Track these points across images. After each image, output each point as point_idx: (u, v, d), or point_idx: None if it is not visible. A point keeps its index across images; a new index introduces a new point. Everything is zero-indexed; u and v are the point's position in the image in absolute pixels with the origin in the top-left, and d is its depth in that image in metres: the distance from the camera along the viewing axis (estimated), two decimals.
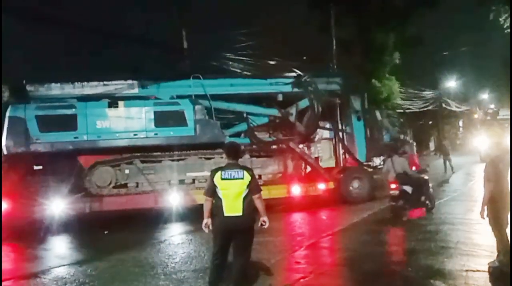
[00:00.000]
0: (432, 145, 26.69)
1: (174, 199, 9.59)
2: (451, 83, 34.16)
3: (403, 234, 7.53)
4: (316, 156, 11.43)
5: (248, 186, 4.34)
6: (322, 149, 11.55)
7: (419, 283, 4.86)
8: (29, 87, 9.61)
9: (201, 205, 9.01)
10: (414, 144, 13.36)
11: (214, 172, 4.44)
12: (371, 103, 12.41)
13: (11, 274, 6.03)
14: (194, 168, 10.10)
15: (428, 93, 23.53)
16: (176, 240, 7.75)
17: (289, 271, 5.59)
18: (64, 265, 6.29)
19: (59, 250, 7.63)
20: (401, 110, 18.07)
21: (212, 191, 4.40)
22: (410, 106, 21.57)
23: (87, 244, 7.64)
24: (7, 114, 9.17)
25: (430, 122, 31.69)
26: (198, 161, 10.16)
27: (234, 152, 4.61)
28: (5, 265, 6.84)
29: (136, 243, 7.34)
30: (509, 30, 12.88)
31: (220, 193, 4.35)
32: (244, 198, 4.34)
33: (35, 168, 9.50)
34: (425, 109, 23.53)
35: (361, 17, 17.55)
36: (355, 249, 6.38)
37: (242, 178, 4.33)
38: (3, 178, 9.12)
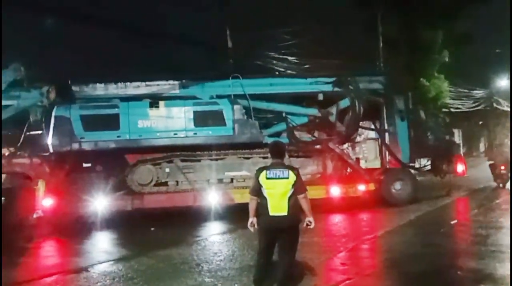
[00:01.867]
0: (482, 146, 25.37)
1: (212, 198, 9.85)
2: (503, 82, 32.56)
3: (452, 237, 7.44)
4: (360, 156, 11.33)
5: (293, 186, 4.41)
6: (367, 149, 11.46)
7: None
8: (74, 88, 10.17)
9: (239, 204, 9.36)
10: (461, 145, 13.01)
11: (259, 171, 4.53)
12: (419, 103, 12.13)
13: (60, 268, 6.41)
14: (232, 167, 10.33)
15: (478, 92, 22.50)
16: (219, 238, 8.00)
17: (334, 272, 5.64)
18: (112, 260, 6.63)
19: (106, 245, 8.04)
20: (447, 110, 17.43)
21: (257, 190, 4.49)
22: (460, 106, 20.76)
23: (133, 240, 8.00)
24: (53, 114, 9.75)
25: (480, 122, 30.28)
26: (237, 161, 10.38)
27: (278, 151, 4.70)
28: (54, 259, 7.34)
29: (180, 240, 7.64)
30: None
31: (265, 192, 4.44)
32: (289, 198, 4.41)
33: (84, 165, 10.04)
34: (475, 109, 22.49)
35: (408, 14, 17.13)
36: (402, 251, 6.35)
37: (287, 178, 4.41)
38: (50, 175, 9.72)
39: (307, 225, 4.55)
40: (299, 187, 4.46)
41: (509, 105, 32.50)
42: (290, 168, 4.57)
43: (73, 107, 9.84)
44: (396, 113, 11.06)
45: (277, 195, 4.40)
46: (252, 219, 4.54)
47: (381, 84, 11.14)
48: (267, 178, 4.43)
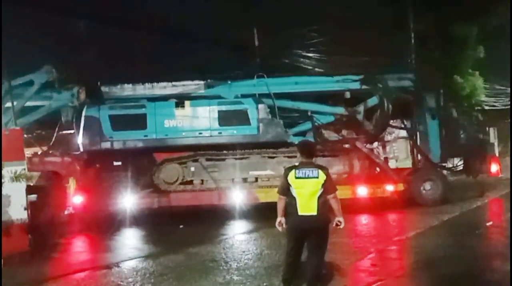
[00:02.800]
0: None
1: (237, 197, 9.97)
2: None
3: (487, 239, 7.33)
4: (391, 155, 11.17)
5: (323, 185, 4.38)
6: (398, 149, 11.29)
7: None
8: (103, 89, 10.48)
9: (264, 203, 9.38)
10: (496, 143, 12.57)
11: (288, 170, 4.51)
12: (453, 101, 11.82)
13: (92, 263, 6.62)
14: (257, 166, 10.43)
15: None
16: (246, 237, 8.10)
17: (365, 273, 5.61)
18: (142, 257, 6.81)
19: (136, 242, 8.27)
20: (481, 108, 16.83)
21: (286, 190, 4.49)
22: (495, 103, 19.97)
23: (162, 237, 8.20)
24: (83, 114, 10.08)
25: None
26: (261, 160, 10.46)
27: (308, 150, 4.67)
28: (86, 255, 7.61)
29: (208, 238, 7.79)
30: None
31: (294, 192, 4.42)
32: (319, 197, 4.39)
33: (113, 164, 10.35)
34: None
35: (440, 8, 16.64)
36: (435, 252, 6.24)
37: (317, 177, 4.37)
38: (80, 173, 10.04)
39: (337, 225, 4.52)
40: (329, 186, 4.42)
41: None
42: (320, 167, 4.52)
43: (102, 107, 10.15)
44: (427, 111, 10.84)
45: (306, 194, 4.39)
46: (280, 218, 4.54)
47: (411, 81, 10.95)
48: (296, 177, 4.41)
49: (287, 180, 4.45)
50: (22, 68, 9.65)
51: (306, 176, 4.39)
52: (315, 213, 4.36)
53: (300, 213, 4.39)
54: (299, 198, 4.40)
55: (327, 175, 4.44)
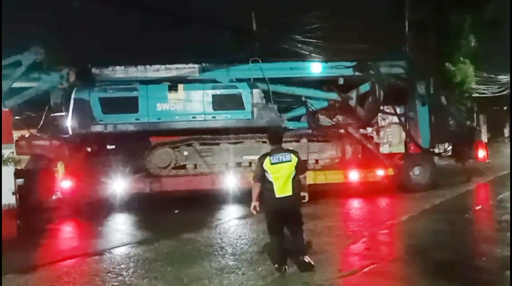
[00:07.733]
0: (507, 131, 24.63)
1: (231, 182, 9.83)
2: None
3: (476, 223, 7.36)
4: (384, 141, 11.15)
5: (295, 167, 4.72)
6: (392, 134, 11.24)
7: (493, 274, 4.71)
8: (94, 70, 10.10)
9: None
10: (482, 130, 12.63)
11: (262, 158, 4.78)
12: (445, 88, 11.83)
13: (83, 250, 6.40)
14: (251, 151, 10.23)
15: (504, 77, 21.77)
16: (241, 222, 7.96)
17: (359, 257, 5.58)
18: (134, 243, 6.65)
19: (128, 228, 8.08)
20: (470, 95, 16.96)
21: (261, 177, 4.75)
22: (485, 91, 20.19)
23: (155, 223, 8.05)
24: (73, 96, 9.72)
25: (505, 107, 29.35)
26: (255, 145, 10.29)
27: (277, 138, 5.00)
28: (76, 241, 7.41)
29: (202, 223, 7.68)
30: None
31: (271, 177, 4.70)
32: (293, 179, 4.72)
33: (104, 147, 10.04)
34: (500, 94, 21.84)
35: None
36: (427, 237, 6.28)
37: (290, 161, 4.72)
38: (69, 157, 9.72)
39: (303, 198, 4.90)
40: (301, 168, 4.83)
41: None
42: (291, 151, 4.86)
43: (92, 90, 9.82)
44: (417, 98, 10.85)
45: (283, 177, 4.67)
46: (255, 203, 4.82)
47: (403, 68, 10.90)
48: (272, 163, 4.68)
49: (262, 167, 4.76)
50: (9, 49, 9.19)
51: (281, 160, 4.70)
52: (291, 193, 4.69)
53: (278, 196, 4.70)
54: (276, 182, 4.68)
55: (299, 157, 4.82)
